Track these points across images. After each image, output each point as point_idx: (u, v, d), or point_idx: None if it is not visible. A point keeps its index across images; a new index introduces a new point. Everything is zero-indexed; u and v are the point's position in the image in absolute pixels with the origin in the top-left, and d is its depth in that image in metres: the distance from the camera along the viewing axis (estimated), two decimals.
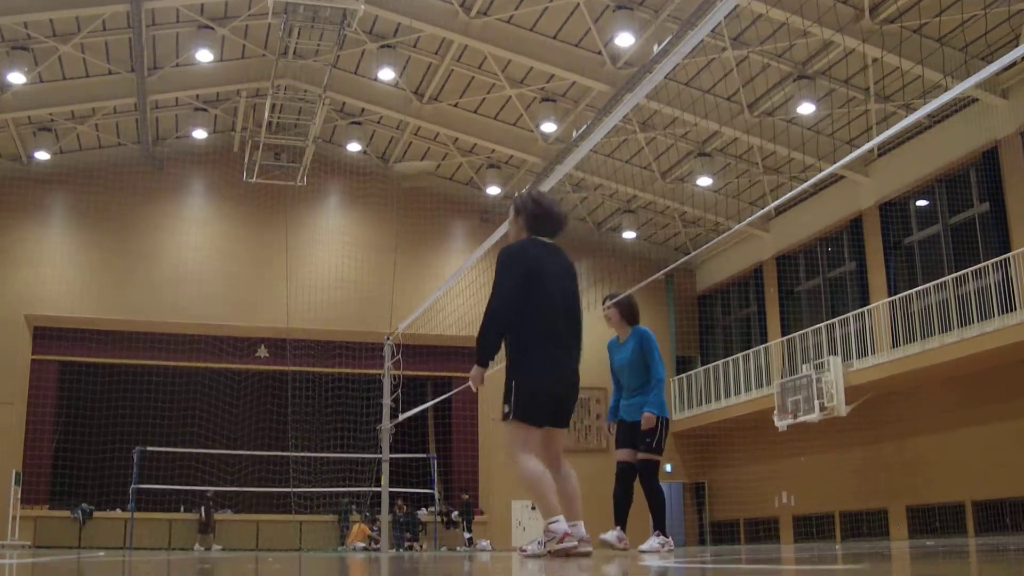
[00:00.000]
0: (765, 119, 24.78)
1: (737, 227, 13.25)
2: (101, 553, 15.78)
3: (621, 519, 9.79)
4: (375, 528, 26.57)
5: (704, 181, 27.78)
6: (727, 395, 29.62)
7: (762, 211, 10.77)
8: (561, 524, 6.54)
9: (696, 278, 33.61)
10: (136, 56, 23.97)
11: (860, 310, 24.83)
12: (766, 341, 29.06)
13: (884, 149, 24.96)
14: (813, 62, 22.70)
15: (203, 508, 28.09)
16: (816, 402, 23.84)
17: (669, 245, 32.55)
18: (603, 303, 10.17)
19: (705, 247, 27.24)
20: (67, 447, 28.18)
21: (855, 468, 25.77)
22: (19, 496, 25.53)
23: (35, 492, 27.18)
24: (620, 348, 9.99)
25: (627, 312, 10.00)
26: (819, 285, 28.38)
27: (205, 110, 28.51)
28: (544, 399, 6.80)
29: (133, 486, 25.23)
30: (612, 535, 9.55)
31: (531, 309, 6.88)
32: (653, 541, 9.64)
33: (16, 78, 24.23)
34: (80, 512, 27.20)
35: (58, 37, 23.76)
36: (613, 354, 10.09)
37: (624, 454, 9.73)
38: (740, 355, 29.52)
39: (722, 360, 30.39)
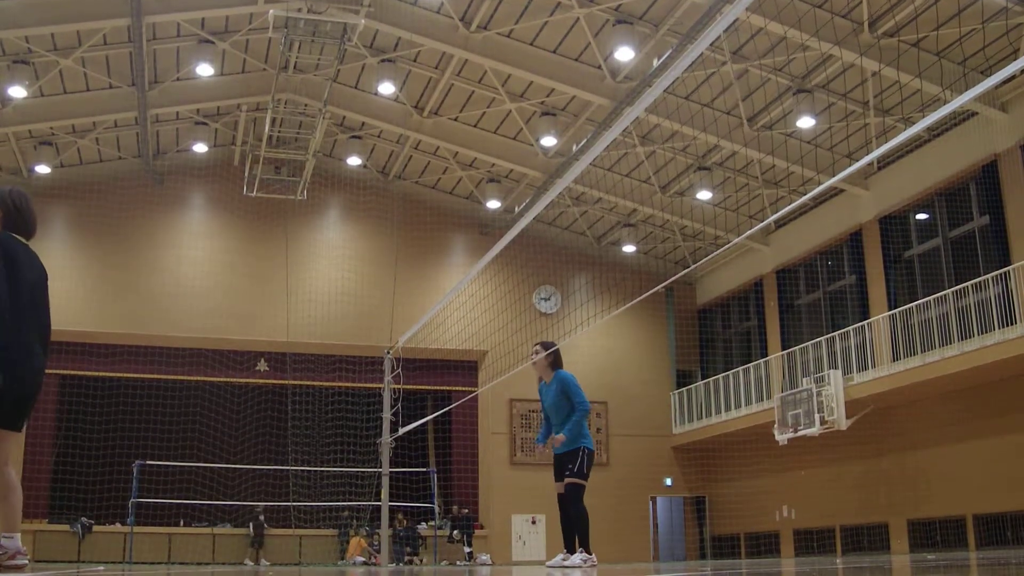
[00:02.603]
0: (764, 132, 24.81)
1: (737, 240, 13.26)
2: (101, 567, 15.74)
3: (569, 543, 10.67)
4: (375, 543, 26.52)
5: (704, 195, 27.79)
6: (727, 409, 29.59)
7: (761, 224, 10.75)
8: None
9: (696, 292, 33.62)
10: (137, 70, 23.99)
11: (860, 324, 24.81)
12: (766, 355, 29.03)
13: (884, 162, 25.01)
14: (812, 76, 22.73)
15: (251, 523, 28.14)
16: (816, 416, 23.82)
17: (669, 259, 32.57)
18: (533, 349, 11.34)
19: (705, 260, 27.24)
20: (66, 461, 28.13)
21: (856, 482, 25.75)
22: None
23: (34, 506, 27.11)
24: (547, 390, 11.08)
25: (552, 358, 11.15)
26: (819, 298, 28.35)
27: (205, 124, 28.53)
28: None
29: (133, 500, 25.17)
30: (575, 558, 10.45)
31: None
32: (576, 557, 10.46)
33: (17, 92, 24.24)
34: (79, 526, 27.13)
35: (59, 51, 23.78)
36: (542, 396, 11.20)
37: (559, 486, 10.74)
38: (740, 369, 29.50)
39: (722, 374, 30.37)
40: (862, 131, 24.13)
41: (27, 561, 6.34)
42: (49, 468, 28.18)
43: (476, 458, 31.04)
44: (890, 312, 23.80)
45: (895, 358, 23.23)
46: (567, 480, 10.63)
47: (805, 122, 23.27)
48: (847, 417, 23.65)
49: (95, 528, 27.19)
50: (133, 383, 29.15)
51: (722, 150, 26.05)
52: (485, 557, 29.09)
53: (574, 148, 26.06)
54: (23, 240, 6.52)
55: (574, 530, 10.62)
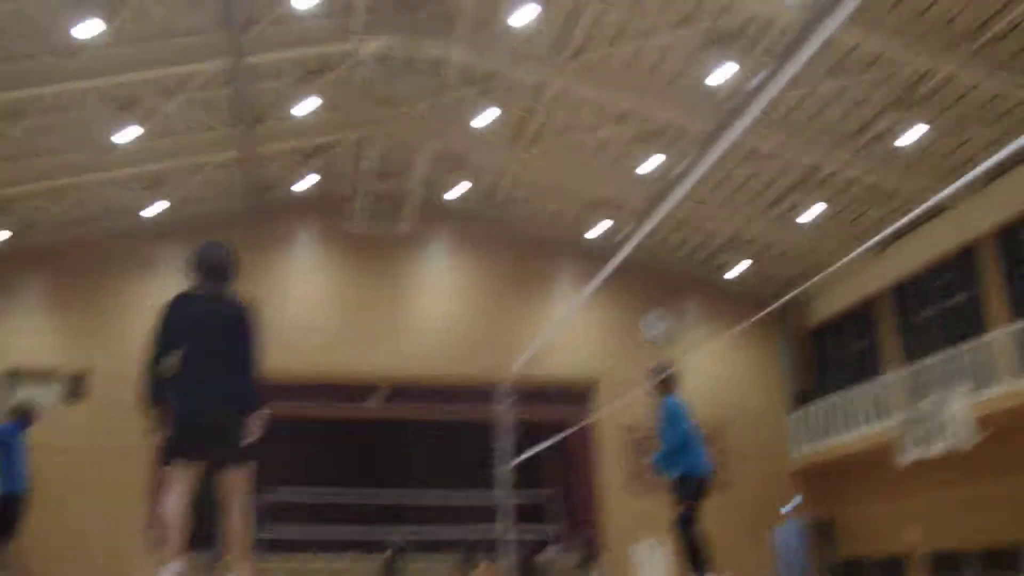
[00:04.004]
0: (870, 147, 24.36)
1: (848, 258, 12.98)
2: None
3: (695, 564, 10.61)
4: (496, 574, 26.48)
5: (812, 213, 27.33)
6: (847, 429, 28.96)
7: (872, 241, 10.51)
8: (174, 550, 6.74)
9: (809, 311, 33.00)
10: (240, 110, 24.43)
11: (982, 338, 24.14)
12: (884, 373, 28.38)
13: (995, 173, 24.31)
14: (917, 87, 22.27)
15: (389, 550, 28.38)
16: (941, 434, 23.19)
17: (779, 279, 32.03)
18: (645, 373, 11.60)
19: (815, 279, 26.67)
20: (196, 498, 28.54)
21: (990, 502, 24.93)
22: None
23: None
24: (658, 416, 11.21)
25: (662, 383, 11.33)
26: (936, 314, 27.64)
27: (309, 160, 28.93)
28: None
29: (257, 536, 25.48)
30: None
31: None
32: None
33: (125, 135, 24.78)
34: (209, 556, 27.53)
35: (163, 95, 24.30)
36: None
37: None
38: (858, 388, 28.85)
39: (839, 393, 29.76)
40: (971, 142, 23.53)
41: None
42: None
43: (593, 485, 30.83)
44: (1014, 325, 23.11)
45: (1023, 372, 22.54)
46: (678, 506, 10.67)
47: (912, 134, 22.79)
48: (974, 434, 22.94)
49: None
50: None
51: (828, 167, 25.62)
52: None
53: (675, 172, 25.89)
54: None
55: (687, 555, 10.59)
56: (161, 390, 7.01)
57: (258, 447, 7.20)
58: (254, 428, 7.07)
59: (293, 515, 27.90)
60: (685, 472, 10.71)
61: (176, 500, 6.97)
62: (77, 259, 29.39)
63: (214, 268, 7.38)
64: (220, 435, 6.99)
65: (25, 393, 29.34)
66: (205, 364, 6.99)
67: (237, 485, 7.09)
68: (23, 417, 13.09)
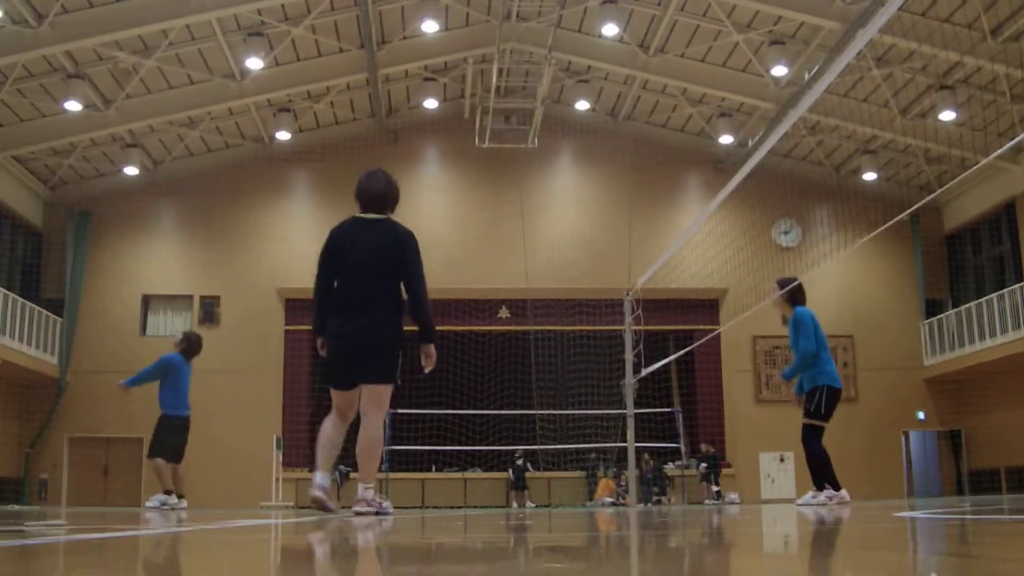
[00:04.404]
0: (1010, 44, 23.45)
1: (985, 161, 12.64)
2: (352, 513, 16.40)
3: (816, 481, 10.73)
4: (622, 484, 26.68)
5: (947, 115, 26.49)
6: (981, 338, 28.30)
7: (1012, 143, 10.16)
8: (316, 477, 7.28)
9: (943, 217, 32.13)
10: (364, 32, 24.59)
11: None
12: (1022, 280, 27.59)
13: None
14: None
15: (511, 468, 28.91)
16: None
17: (913, 184, 31.23)
18: (771, 287, 11.51)
19: (952, 184, 26.02)
20: (323, 412, 29.26)
21: None
22: (280, 460, 26.80)
23: (295, 456, 28.45)
24: (789, 327, 11.11)
25: (789, 295, 11.13)
26: None
27: (434, 80, 29.04)
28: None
29: (386, 448, 26.05)
30: (822, 496, 10.57)
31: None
32: (823, 495, 10.53)
33: (254, 63, 25.30)
34: (338, 474, 28.33)
35: (290, 20, 24.63)
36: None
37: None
38: (995, 295, 28.11)
39: (975, 302, 29.05)
40: None
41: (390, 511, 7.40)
42: (307, 420, 29.49)
43: (721, 397, 30.75)
44: None
45: None
46: (803, 420, 10.68)
47: None
48: None
49: (351, 475, 28.31)
50: None
51: (965, 67, 24.76)
52: (734, 496, 28.90)
53: (806, 76, 25.31)
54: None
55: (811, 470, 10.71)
56: (323, 315, 7.40)
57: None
58: (428, 362, 7.41)
59: (418, 430, 28.41)
60: (815, 384, 10.66)
61: (328, 422, 7.52)
62: (208, 188, 30.21)
63: (370, 197, 7.58)
64: (366, 356, 7.27)
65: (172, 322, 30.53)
66: (356, 289, 7.30)
67: (376, 401, 7.33)
68: (190, 347, 13.66)
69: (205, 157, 30.47)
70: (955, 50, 23.17)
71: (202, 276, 30.00)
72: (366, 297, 7.28)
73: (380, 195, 7.58)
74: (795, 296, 11.13)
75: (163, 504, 12.96)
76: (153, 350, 29.36)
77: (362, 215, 7.58)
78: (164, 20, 23.09)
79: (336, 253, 7.41)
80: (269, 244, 30.09)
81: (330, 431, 7.51)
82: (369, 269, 7.30)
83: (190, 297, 30.07)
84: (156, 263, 30.14)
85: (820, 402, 10.54)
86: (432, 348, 7.41)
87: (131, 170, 29.25)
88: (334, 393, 7.49)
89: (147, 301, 30.18)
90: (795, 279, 11.25)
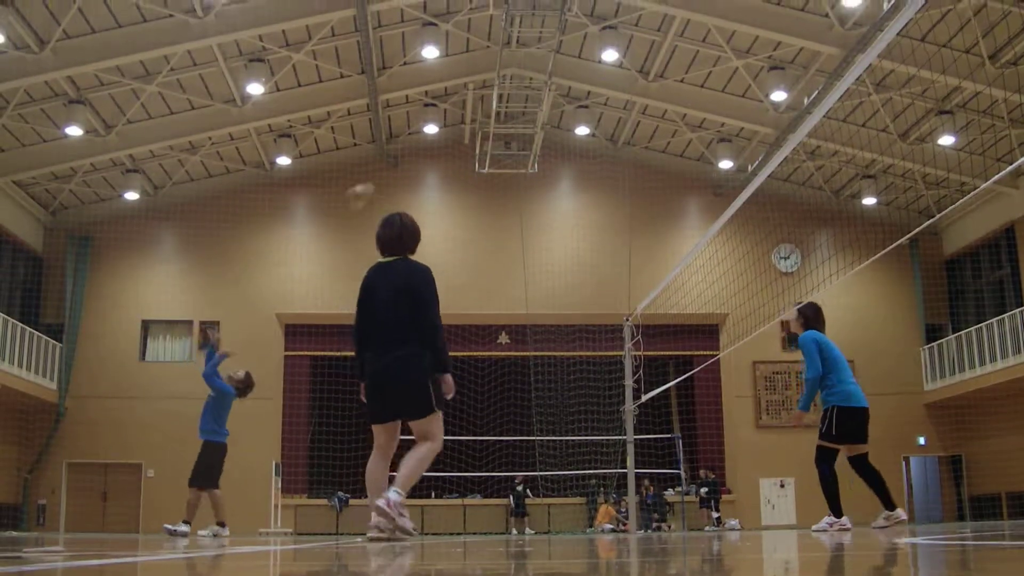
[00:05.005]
0: (1009, 69, 23.51)
1: (984, 186, 12.62)
2: (359, 539, 16.34)
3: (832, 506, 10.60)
4: (622, 510, 26.61)
5: (946, 140, 26.52)
6: (982, 363, 28.26)
7: (1011, 167, 10.18)
8: (373, 500, 7.35)
9: (943, 241, 32.14)
10: (365, 58, 24.68)
11: None
12: (1022, 304, 27.58)
13: None
14: None
15: (511, 494, 28.83)
16: None
17: (912, 209, 31.27)
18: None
19: (951, 209, 26.01)
20: (322, 438, 29.32)
21: None
22: (279, 486, 26.72)
23: (294, 482, 28.39)
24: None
25: (803, 320, 11.07)
26: None
27: (435, 105, 29.12)
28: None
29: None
30: (821, 522, 10.65)
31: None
32: (823, 521, 10.56)
33: (255, 89, 25.39)
34: (337, 500, 28.27)
35: (291, 46, 24.72)
36: None
37: None
38: (995, 320, 28.09)
39: (975, 326, 29.03)
40: None
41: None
42: (306, 446, 29.46)
43: (721, 422, 30.68)
44: None
45: None
46: (817, 442, 10.56)
47: None
48: None
49: (351, 502, 28.25)
50: None
51: (964, 91, 24.82)
52: (734, 522, 28.80)
53: (805, 101, 25.37)
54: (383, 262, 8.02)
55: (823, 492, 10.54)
56: (360, 357, 7.76)
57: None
58: (448, 390, 7.72)
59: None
60: (826, 405, 10.53)
61: (371, 462, 7.72)
62: (208, 213, 30.24)
63: (385, 243, 8.03)
64: (399, 394, 7.56)
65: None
66: (377, 331, 7.65)
67: (423, 433, 7.61)
68: (246, 388, 14.56)
69: (206, 182, 30.53)
70: (954, 75, 23.21)
71: (203, 301, 29.99)
72: (390, 335, 7.58)
73: (395, 239, 8.01)
74: (807, 320, 11.02)
75: (215, 535, 13.86)
76: (152, 376, 29.64)
77: (382, 259, 8.01)
78: (166, 46, 23.17)
79: (364, 299, 7.80)
80: (269, 269, 30.12)
81: (373, 469, 7.74)
82: (390, 307, 7.63)
83: (190, 322, 30.07)
84: (156, 288, 30.14)
85: (830, 423, 10.39)
86: (448, 377, 7.71)
87: (131, 195, 29.30)
88: (375, 429, 7.76)
89: (147, 326, 30.18)
90: (810, 303, 11.20)
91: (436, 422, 7.61)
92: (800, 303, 11.31)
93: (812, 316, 11.04)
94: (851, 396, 10.50)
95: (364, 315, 7.76)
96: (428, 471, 7.75)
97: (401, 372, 7.51)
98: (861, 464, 10.49)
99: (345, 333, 29.17)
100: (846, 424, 10.42)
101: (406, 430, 7.75)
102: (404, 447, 7.67)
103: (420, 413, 7.55)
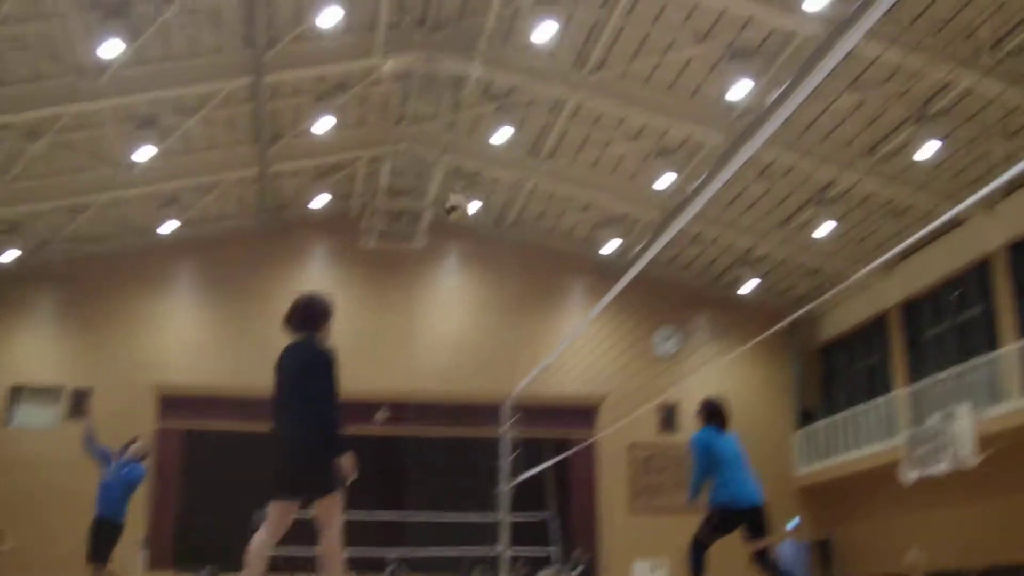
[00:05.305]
0: (885, 163, 24.29)
1: (859, 275, 12.96)
2: None
3: None
4: None
5: (824, 229, 27.19)
6: (852, 448, 28.78)
7: (885, 257, 10.46)
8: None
9: (819, 328, 32.82)
10: (257, 127, 24.51)
11: (990, 355, 24.00)
12: (892, 391, 28.24)
13: (1013, 187, 24.16)
14: (934, 102, 22.18)
15: (389, 570, 28.22)
16: (946, 453, 23.03)
17: (790, 295, 31.89)
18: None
19: (827, 296, 26.60)
20: (192, 511, 28.58)
21: (993, 520, 24.77)
22: (148, 561, 25.89)
23: (161, 557, 27.54)
24: None
25: (700, 418, 10.96)
26: (947, 331, 27.48)
27: (325, 178, 28.97)
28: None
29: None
30: None
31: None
32: None
33: (144, 153, 24.87)
34: (206, 574, 27.49)
35: (183, 112, 24.37)
36: None
37: None
38: (865, 406, 28.69)
39: (846, 412, 29.60)
40: (986, 157, 23.43)
41: None
42: (172, 519, 28.66)
43: (594, 504, 30.70)
44: (1022, 343, 22.97)
45: None
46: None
47: (927, 150, 22.72)
48: (979, 453, 22.77)
49: None
50: (255, 436, 29.41)
51: (842, 182, 25.54)
52: None
53: (688, 189, 25.83)
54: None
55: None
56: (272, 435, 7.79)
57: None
58: (347, 470, 7.83)
59: (287, 533, 27.76)
60: (713, 504, 10.43)
61: (263, 533, 7.64)
62: (87, 277, 29.52)
63: (291, 323, 8.01)
64: (300, 475, 7.62)
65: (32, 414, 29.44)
66: (284, 410, 7.71)
67: (326, 514, 7.73)
68: (142, 457, 14.82)
69: (87, 245, 29.66)
70: (833, 165, 23.89)
71: (77, 367, 29.10)
72: (291, 415, 7.66)
73: (299, 319, 7.97)
74: (703, 416, 10.95)
75: None
76: (18, 443, 28.55)
77: (291, 340, 8.00)
78: (56, 105, 22.63)
79: (275, 379, 7.83)
80: (148, 338, 29.41)
81: (259, 544, 7.63)
82: (293, 389, 7.72)
83: (60, 388, 29.11)
84: (27, 351, 29.23)
85: (709, 520, 10.37)
86: (343, 460, 7.76)
87: (7, 256, 28.33)
88: (271, 505, 7.69)
89: (16, 392, 29.18)
90: (708, 401, 11.09)
91: (335, 504, 7.74)
92: (706, 399, 11.20)
93: (708, 414, 10.91)
94: (735, 497, 10.40)
95: (274, 393, 7.78)
96: (302, 547, 7.75)
97: (300, 452, 7.55)
98: (763, 560, 10.49)
99: (224, 405, 28.68)
100: (727, 524, 10.36)
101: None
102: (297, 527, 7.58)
103: (319, 493, 7.61)
